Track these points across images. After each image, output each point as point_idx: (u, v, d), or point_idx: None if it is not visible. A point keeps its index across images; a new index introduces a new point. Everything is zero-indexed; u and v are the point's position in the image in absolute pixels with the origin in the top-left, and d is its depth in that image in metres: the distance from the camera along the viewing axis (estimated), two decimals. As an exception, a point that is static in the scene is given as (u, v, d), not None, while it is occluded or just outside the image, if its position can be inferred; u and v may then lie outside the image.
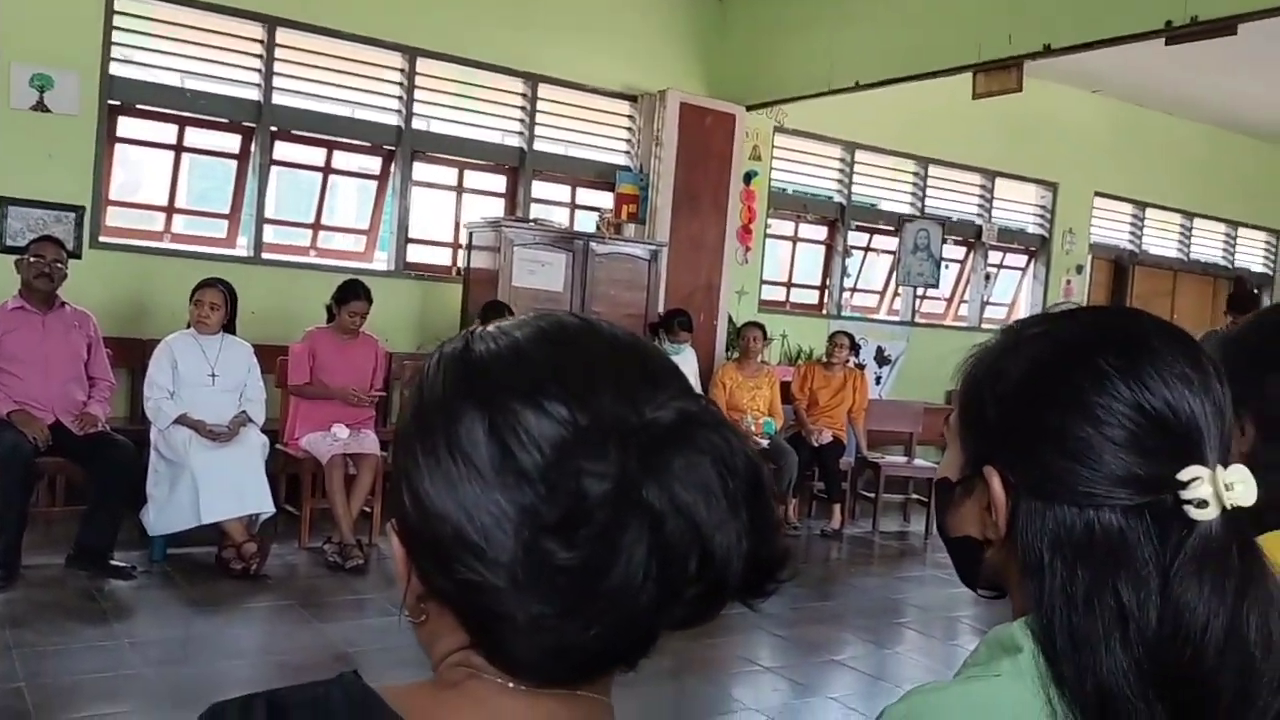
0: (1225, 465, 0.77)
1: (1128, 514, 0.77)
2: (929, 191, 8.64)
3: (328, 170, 6.44)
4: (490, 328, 0.69)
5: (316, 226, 6.49)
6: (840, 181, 8.25)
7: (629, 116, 7.18)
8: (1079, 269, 9.30)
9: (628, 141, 7.21)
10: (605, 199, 7.10)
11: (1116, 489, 0.77)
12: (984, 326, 8.99)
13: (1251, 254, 10.64)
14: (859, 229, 8.47)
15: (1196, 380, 0.80)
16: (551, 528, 0.60)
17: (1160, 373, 0.79)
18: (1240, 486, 0.76)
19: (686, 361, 6.32)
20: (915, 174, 8.58)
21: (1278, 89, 8.38)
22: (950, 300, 9.14)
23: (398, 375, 5.90)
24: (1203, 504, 0.76)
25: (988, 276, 9.10)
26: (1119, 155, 9.28)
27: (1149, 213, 9.84)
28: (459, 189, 6.84)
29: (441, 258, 6.82)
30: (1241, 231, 10.48)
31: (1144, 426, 0.78)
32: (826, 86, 6.53)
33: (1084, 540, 0.78)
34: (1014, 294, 9.42)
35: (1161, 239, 10.03)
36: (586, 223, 7.03)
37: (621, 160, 7.18)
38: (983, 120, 7.78)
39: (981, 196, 8.93)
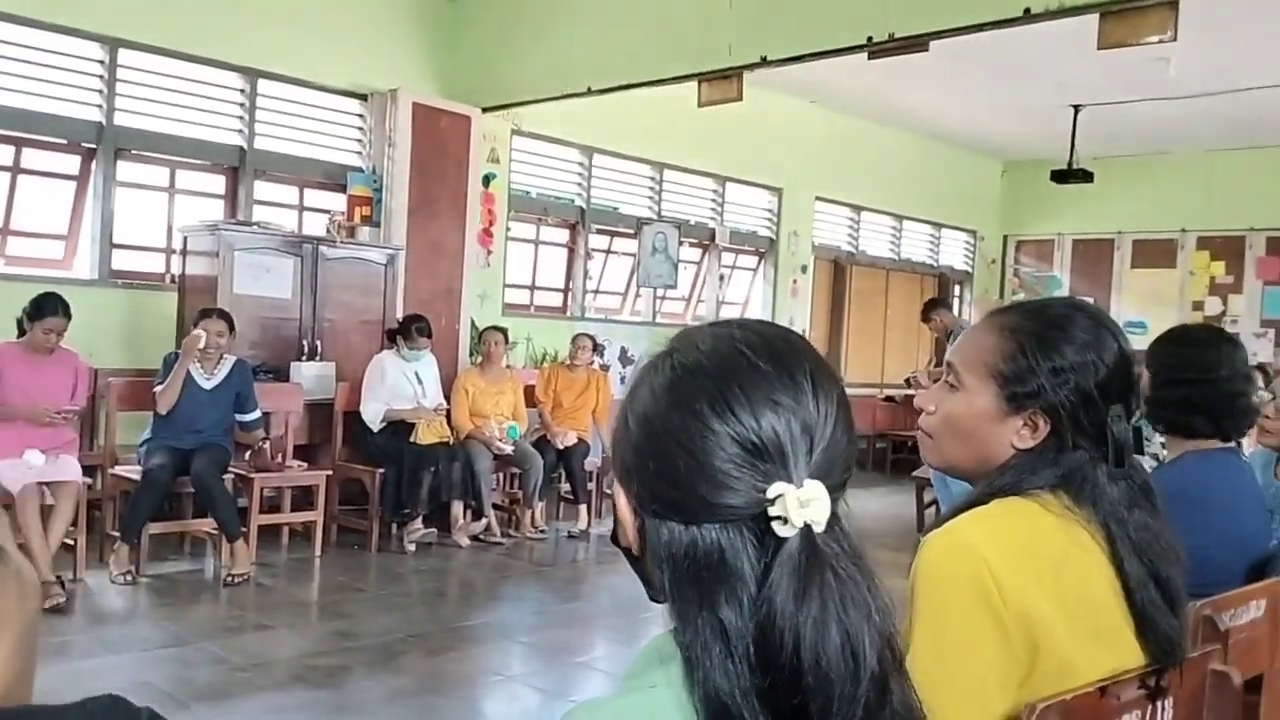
0: (814, 479, 0.81)
1: (728, 530, 0.81)
2: (665, 195, 8.89)
3: (17, 170, 5.81)
4: None
5: (6, 232, 5.84)
6: (580, 185, 8.33)
7: (359, 116, 6.93)
8: (804, 269, 9.85)
9: (359, 141, 6.95)
10: (337, 201, 6.82)
11: (716, 508, 0.81)
12: (720, 325, 9.33)
13: (953, 253, 11.64)
14: (600, 232, 8.59)
15: (785, 401, 0.84)
16: None
17: (750, 397, 0.83)
18: (814, 504, 0.80)
19: (426, 368, 6.17)
20: (652, 178, 8.80)
21: (967, 103, 9.22)
22: (688, 300, 9.44)
23: (103, 393, 5.41)
24: (785, 520, 0.80)
25: (722, 277, 9.47)
26: (836, 162, 9.90)
27: (864, 216, 10.57)
28: (171, 190, 6.36)
29: (154, 264, 6.31)
30: (944, 232, 11.44)
31: (733, 450, 0.82)
32: (559, 91, 6.56)
33: (690, 556, 0.81)
34: (747, 293, 9.85)
35: (875, 240, 10.79)
36: (316, 226, 6.72)
37: (353, 161, 6.92)
38: (713, 127, 8.06)
39: (714, 200, 9.28)
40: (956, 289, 11.51)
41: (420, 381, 6.07)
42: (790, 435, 0.82)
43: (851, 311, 10.26)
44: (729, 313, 9.63)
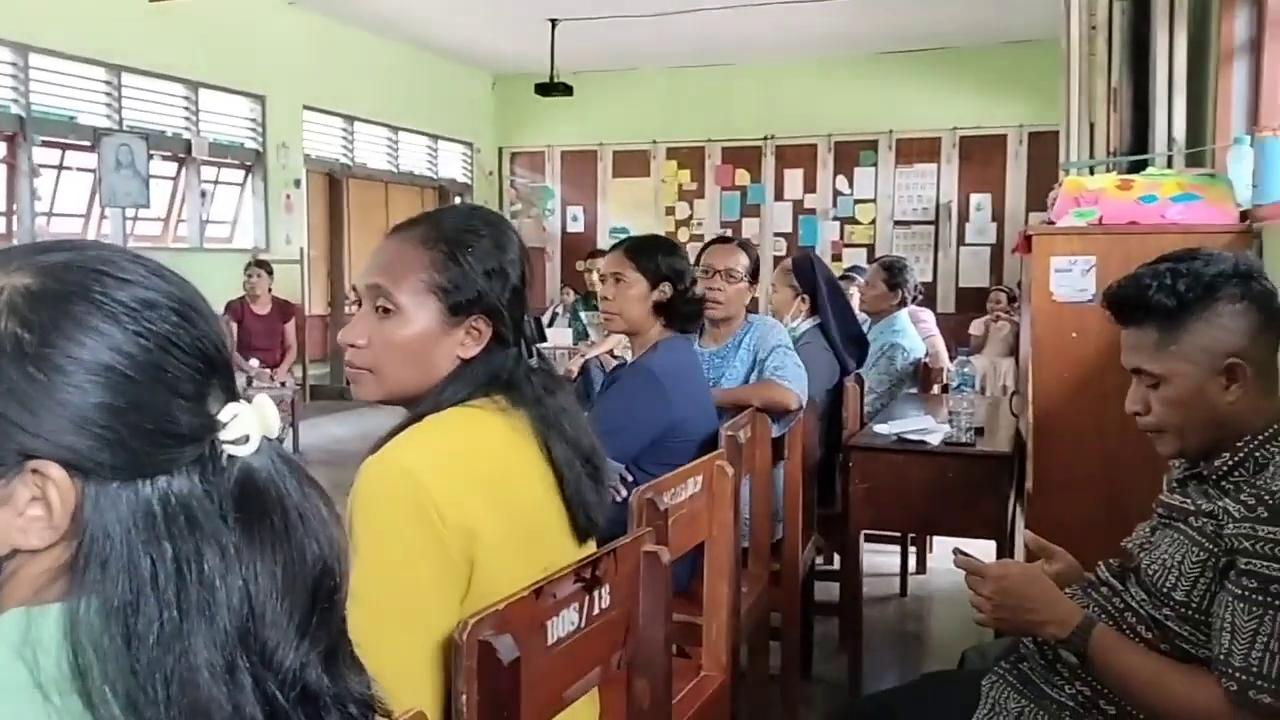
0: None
1: (191, 471, 0.68)
2: (128, 103, 7.88)
3: None
4: None
5: None
6: (16, 89, 7.11)
7: None
8: (297, 183, 9.34)
9: None
10: None
11: (175, 447, 0.68)
12: (207, 246, 8.62)
13: (452, 164, 11.72)
14: (48, 145, 7.43)
15: (203, 309, 0.73)
16: None
17: (198, 308, 0.72)
18: (272, 414, 0.73)
19: None
20: (109, 82, 7.75)
21: (453, 13, 9.19)
22: (166, 220, 8.56)
23: None
24: (245, 439, 0.70)
25: (204, 193, 8.69)
26: (325, 69, 9.43)
27: (358, 126, 10.23)
28: None
29: None
30: (441, 144, 11.46)
31: (181, 370, 0.69)
32: (-33, -27, 5.50)
33: (162, 514, 0.67)
34: (235, 211, 9.15)
35: (372, 152, 10.51)
36: None
37: None
38: (180, 26, 7.28)
39: (188, 109, 8.41)
40: (458, 200, 11.62)
41: None
42: (225, 348, 0.73)
43: (352, 226, 9.96)
44: (218, 231, 8.91)
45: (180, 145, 8.34)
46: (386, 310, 1.35)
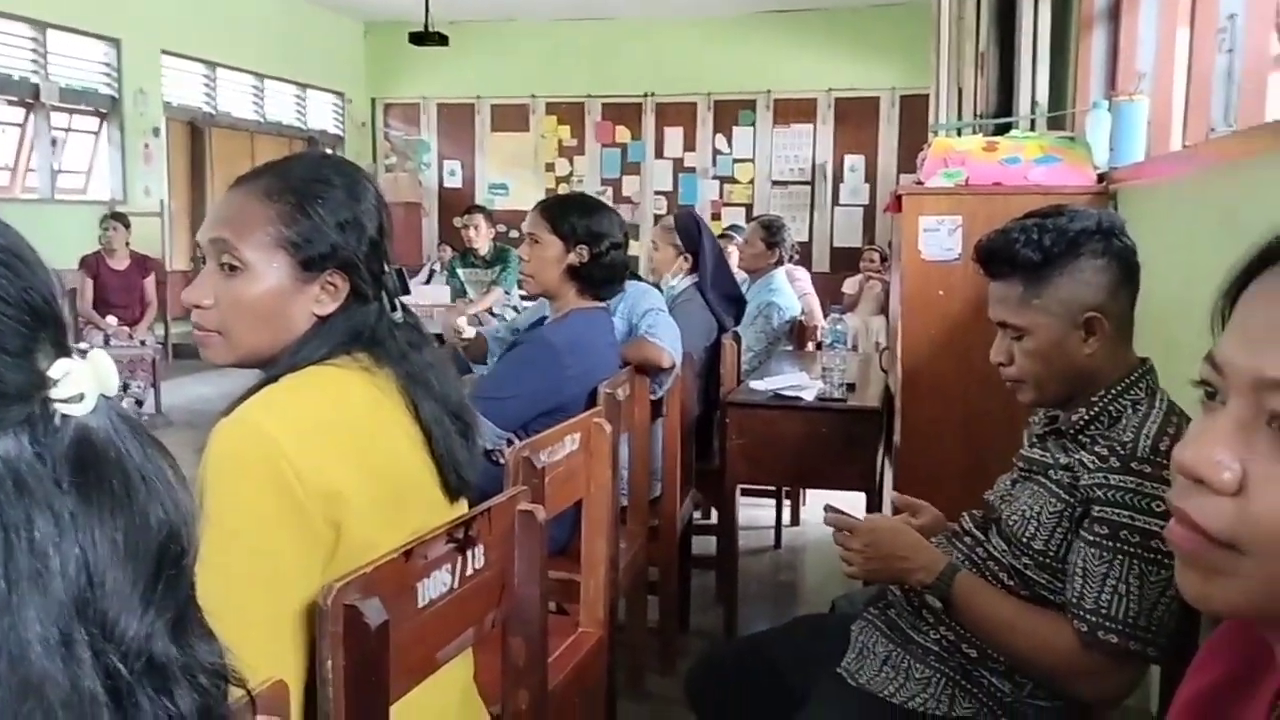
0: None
1: (19, 432, 0.62)
2: (-35, 42, 7.36)
3: None
4: None
5: None
6: None
7: None
8: (156, 132, 8.88)
9: None
10: None
11: (7, 406, 0.61)
12: (59, 198, 8.15)
13: (322, 115, 11.31)
14: (-127, 84, 6.89)
15: (32, 259, 0.66)
16: None
17: (25, 260, 0.64)
18: (109, 371, 0.66)
19: None
20: (-57, 19, 7.22)
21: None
22: (14, 170, 8.04)
23: None
24: (80, 398, 0.64)
25: (55, 142, 8.18)
26: (184, 11, 8.97)
27: (221, 73, 9.76)
28: None
29: None
30: (311, 94, 11.04)
31: (4, 324, 0.62)
32: None
33: None
34: (90, 160, 8.66)
35: (237, 100, 10.06)
36: None
37: None
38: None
39: (34, 51, 7.89)
40: (329, 152, 11.24)
41: None
42: (51, 295, 0.65)
43: (215, 177, 9.53)
44: (71, 182, 8.42)
45: (28, 90, 7.82)
46: (233, 268, 1.27)
